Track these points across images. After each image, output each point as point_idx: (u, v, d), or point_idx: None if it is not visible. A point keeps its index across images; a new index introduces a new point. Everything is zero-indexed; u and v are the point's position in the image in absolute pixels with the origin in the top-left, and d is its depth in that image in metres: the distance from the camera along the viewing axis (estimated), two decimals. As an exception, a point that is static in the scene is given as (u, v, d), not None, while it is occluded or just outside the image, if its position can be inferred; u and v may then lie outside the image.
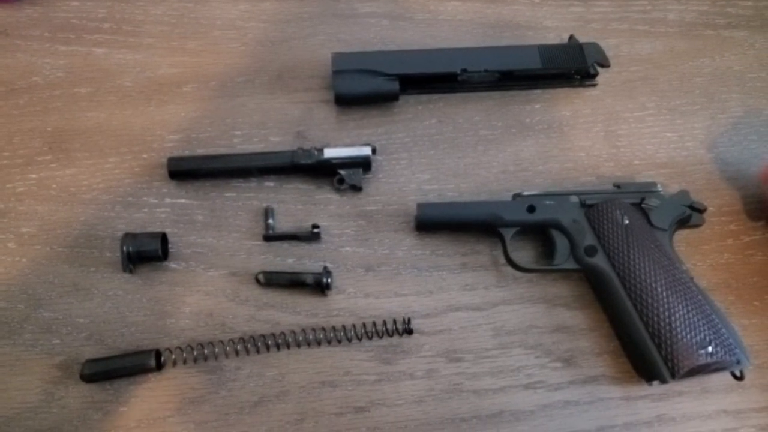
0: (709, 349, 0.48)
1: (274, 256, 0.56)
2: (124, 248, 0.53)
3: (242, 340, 0.52)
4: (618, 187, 0.55)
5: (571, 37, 0.64)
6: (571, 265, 0.53)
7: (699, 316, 0.49)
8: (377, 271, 0.56)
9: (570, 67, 0.61)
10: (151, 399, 0.51)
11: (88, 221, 0.56)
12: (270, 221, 0.56)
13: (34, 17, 0.64)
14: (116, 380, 0.51)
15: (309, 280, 0.54)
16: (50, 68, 0.62)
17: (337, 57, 0.60)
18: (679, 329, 0.49)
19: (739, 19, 0.67)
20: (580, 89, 0.63)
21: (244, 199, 0.58)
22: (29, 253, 0.55)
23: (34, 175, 0.58)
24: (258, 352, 0.52)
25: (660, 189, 0.55)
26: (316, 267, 0.55)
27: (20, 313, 0.53)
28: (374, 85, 0.59)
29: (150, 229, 0.55)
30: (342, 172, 0.57)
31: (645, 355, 0.50)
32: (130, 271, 0.54)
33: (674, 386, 0.51)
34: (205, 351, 0.52)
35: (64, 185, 0.58)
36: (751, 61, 0.65)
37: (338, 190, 0.58)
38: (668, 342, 0.49)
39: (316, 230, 0.55)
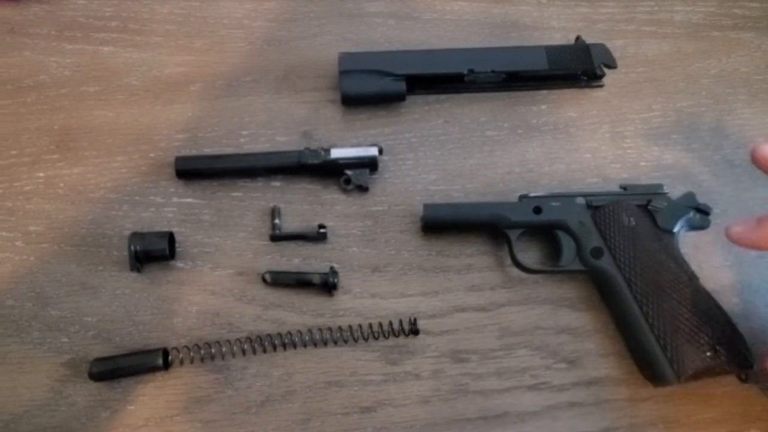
0: (715, 351, 0.48)
1: (280, 255, 0.56)
2: (132, 247, 0.53)
3: (249, 339, 0.52)
4: (624, 188, 0.55)
5: (578, 38, 0.63)
6: (577, 266, 0.53)
7: (705, 318, 0.49)
8: (383, 271, 0.56)
9: (577, 68, 0.61)
10: (159, 398, 0.52)
11: (96, 220, 0.57)
12: (276, 221, 0.56)
13: (41, 15, 0.64)
14: (124, 379, 0.52)
15: (315, 280, 0.54)
16: (57, 67, 0.62)
17: (344, 57, 0.60)
18: (684, 331, 0.49)
19: (746, 21, 0.67)
20: (587, 90, 0.63)
21: (250, 199, 0.58)
22: (37, 251, 0.55)
23: (41, 174, 0.58)
24: (264, 351, 0.53)
25: (666, 191, 0.55)
26: (322, 267, 0.55)
27: (28, 311, 0.54)
28: (381, 85, 0.59)
29: (157, 229, 0.56)
30: (349, 172, 0.57)
31: (650, 356, 0.50)
32: (138, 270, 0.54)
33: (679, 388, 0.51)
34: (212, 350, 0.52)
35: (72, 184, 0.58)
36: (758, 63, 0.65)
37: (345, 191, 0.58)
38: (674, 344, 0.49)
39: (322, 230, 0.56)
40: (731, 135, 0.62)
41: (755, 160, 0.47)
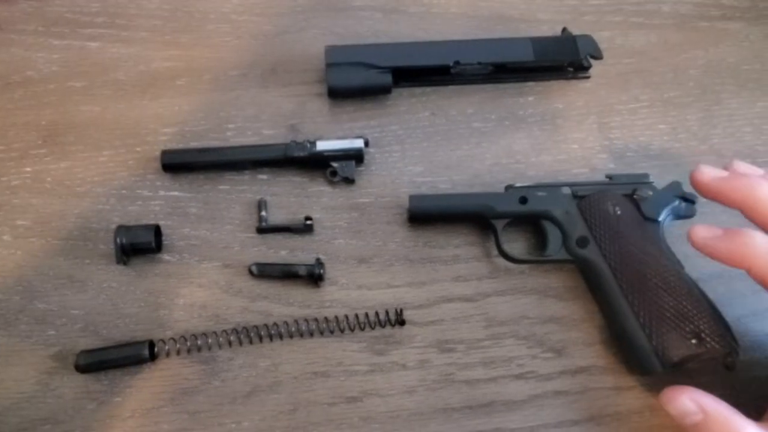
0: (700, 339, 0.48)
1: (267, 248, 0.56)
2: (118, 240, 0.53)
3: (235, 331, 0.53)
4: (610, 178, 0.55)
5: (564, 29, 0.64)
6: (563, 256, 0.53)
7: (690, 306, 0.49)
8: (370, 262, 0.56)
9: (563, 59, 0.61)
10: (145, 389, 0.52)
11: (83, 214, 0.57)
12: (263, 213, 0.56)
13: (29, 12, 0.64)
14: (110, 371, 0.52)
15: (302, 271, 0.54)
16: (44, 62, 0.62)
17: (330, 50, 0.60)
18: (669, 320, 0.49)
19: (734, 11, 0.67)
20: (573, 82, 0.63)
21: (237, 192, 0.58)
22: (24, 245, 0.56)
23: (28, 169, 0.58)
24: (251, 342, 0.53)
25: (652, 180, 0.55)
26: (308, 259, 0.55)
27: (15, 304, 0.54)
28: (367, 78, 0.59)
29: (144, 222, 0.56)
30: (335, 164, 0.57)
31: (636, 345, 0.50)
32: (124, 263, 0.54)
33: (665, 377, 0.51)
34: (199, 342, 0.52)
35: (59, 178, 0.58)
36: (745, 53, 0.65)
37: (331, 183, 0.58)
38: (659, 332, 0.49)
39: (309, 222, 0.56)
40: (718, 125, 0.62)
41: (694, 186, 0.49)
